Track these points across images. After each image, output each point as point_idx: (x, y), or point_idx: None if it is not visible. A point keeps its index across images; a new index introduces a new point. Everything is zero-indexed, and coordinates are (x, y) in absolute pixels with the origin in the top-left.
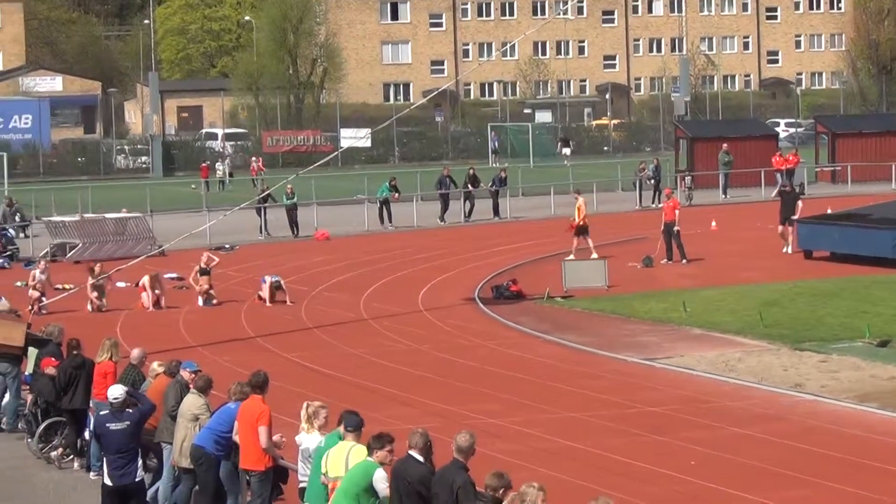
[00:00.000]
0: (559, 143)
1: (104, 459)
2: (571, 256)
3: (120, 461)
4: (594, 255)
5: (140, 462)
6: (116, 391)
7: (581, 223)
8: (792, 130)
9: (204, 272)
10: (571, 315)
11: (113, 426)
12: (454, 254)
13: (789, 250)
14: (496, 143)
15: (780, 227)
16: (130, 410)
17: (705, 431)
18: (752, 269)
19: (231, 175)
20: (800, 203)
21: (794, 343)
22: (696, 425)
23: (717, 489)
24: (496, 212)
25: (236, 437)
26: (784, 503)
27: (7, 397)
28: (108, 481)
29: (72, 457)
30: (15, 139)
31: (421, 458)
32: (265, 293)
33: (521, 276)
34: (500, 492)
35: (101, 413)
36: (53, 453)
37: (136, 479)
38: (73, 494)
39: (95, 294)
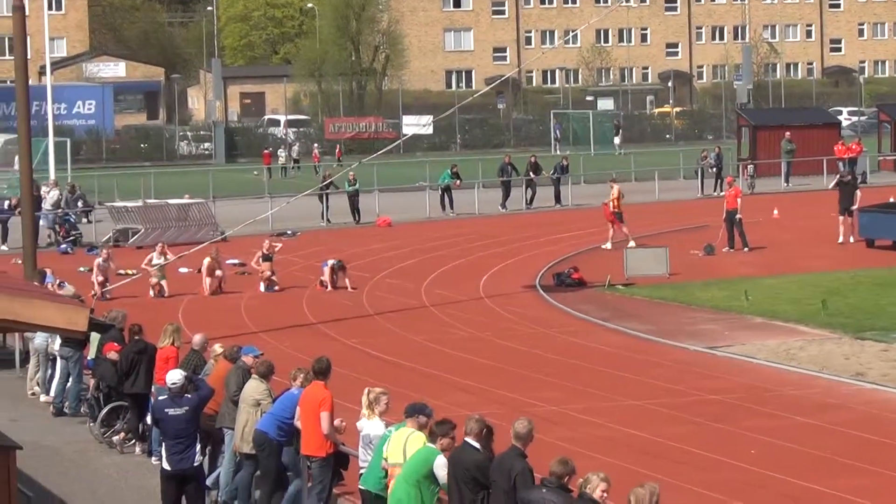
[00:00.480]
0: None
1: (163, 444)
2: (632, 244)
3: (178, 446)
4: (631, 243)
5: (198, 447)
6: (175, 376)
7: (616, 210)
8: (854, 119)
9: (266, 258)
10: (633, 303)
11: (172, 411)
12: (515, 241)
13: (850, 240)
14: (558, 131)
15: (841, 217)
16: (189, 395)
17: (766, 420)
18: (814, 257)
19: (297, 161)
20: (858, 193)
21: (855, 332)
22: (757, 414)
23: (777, 478)
24: (557, 199)
25: (298, 423)
26: (845, 492)
27: (69, 381)
28: (166, 466)
29: (133, 441)
30: (78, 125)
31: (477, 445)
32: (326, 277)
33: (582, 264)
34: (566, 479)
35: (161, 398)
36: (115, 437)
37: (195, 464)
38: (135, 479)
39: (156, 280)
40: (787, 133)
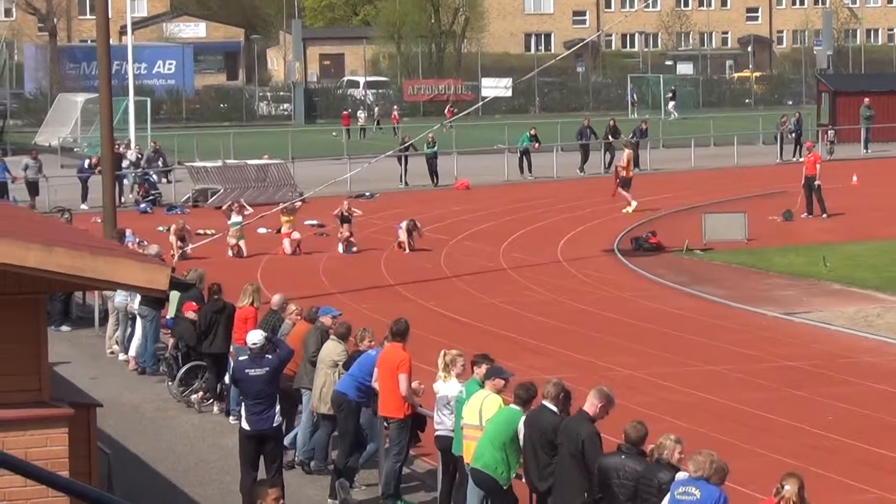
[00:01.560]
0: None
1: (242, 404)
2: (629, 209)
3: (258, 406)
4: (633, 205)
5: (278, 408)
6: (255, 336)
7: (627, 175)
8: None
9: (345, 219)
10: (710, 268)
11: (252, 372)
12: (594, 205)
13: None
14: (634, 95)
15: None
16: (269, 356)
17: (843, 387)
18: (893, 224)
19: (378, 123)
20: None
21: None
22: (834, 381)
23: (854, 444)
24: (636, 163)
25: (376, 384)
26: None
27: (143, 339)
28: (245, 426)
29: (212, 401)
30: (159, 84)
31: (555, 409)
32: (403, 238)
33: (660, 228)
34: (642, 443)
35: (241, 358)
36: (193, 397)
37: (274, 425)
38: (213, 437)
39: (234, 241)
40: (867, 99)
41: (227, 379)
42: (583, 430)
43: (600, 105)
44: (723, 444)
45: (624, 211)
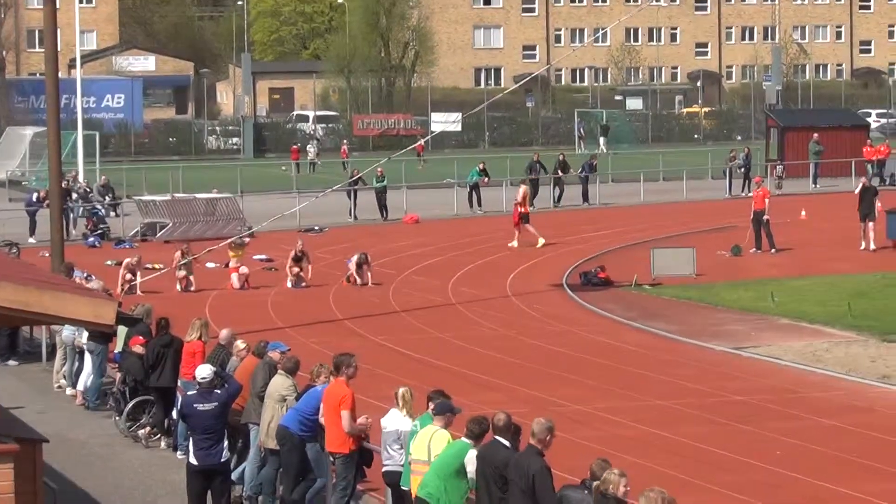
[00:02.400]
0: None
1: (190, 439)
2: (514, 243)
3: (207, 441)
4: (541, 241)
5: (226, 443)
6: (204, 371)
7: (524, 211)
8: (883, 121)
9: (298, 259)
10: (659, 303)
11: (201, 406)
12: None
13: (871, 246)
14: (582, 130)
15: (861, 224)
16: (218, 391)
17: (791, 422)
18: (842, 259)
19: (317, 156)
20: (878, 202)
21: (882, 334)
22: (783, 415)
23: (802, 479)
24: (585, 198)
25: (322, 420)
26: (871, 496)
27: (92, 375)
28: (193, 461)
29: (159, 436)
30: (107, 118)
31: (507, 443)
32: (353, 271)
33: (609, 263)
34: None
35: (189, 393)
36: (141, 432)
37: (222, 460)
38: (161, 473)
39: (183, 274)
40: (816, 135)
41: (174, 414)
42: (533, 464)
43: (550, 140)
44: (672, 480)
45: (538, 245)
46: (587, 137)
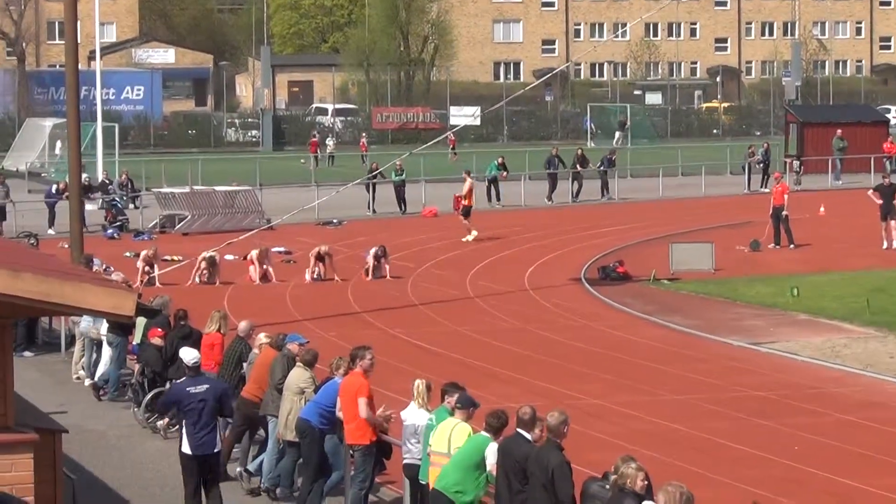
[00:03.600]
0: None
1: (184, 428)
2: (474, 234)
3: (200, 430)
4: (473, 234)
5: (218, 435)
6: (192, 353)
7: (468, 204)
8: None
9: (321, 258)
10: (677, 297)
11: (193, 389)
12: (561, 234)
13: (893, 245)
14: (592, 125)
15: (883, 224)
16: (208, 375)
17: (809, 417)
18: (860, 255)
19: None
20: None
21: None
22: (800, 411)
23: (819, 475)
24: (604, 192)
25: (340, 413)
26: (887, 490)
27: (111, 366)
28: (186, 449)
29: (177, 427)
30: (127, 110)
31: (529, 437)
32: (370, 265)
33: (627, 258)
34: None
35: (178, 381)
36: (159, 423)
37: (215, 450)
38: (178, 464)
39: (205, 266)
40: (840, 130)
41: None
42: (552, 458)
43: (568, 134)
44: (690, 475)
45: (464, 239)
46: (602, 132)
